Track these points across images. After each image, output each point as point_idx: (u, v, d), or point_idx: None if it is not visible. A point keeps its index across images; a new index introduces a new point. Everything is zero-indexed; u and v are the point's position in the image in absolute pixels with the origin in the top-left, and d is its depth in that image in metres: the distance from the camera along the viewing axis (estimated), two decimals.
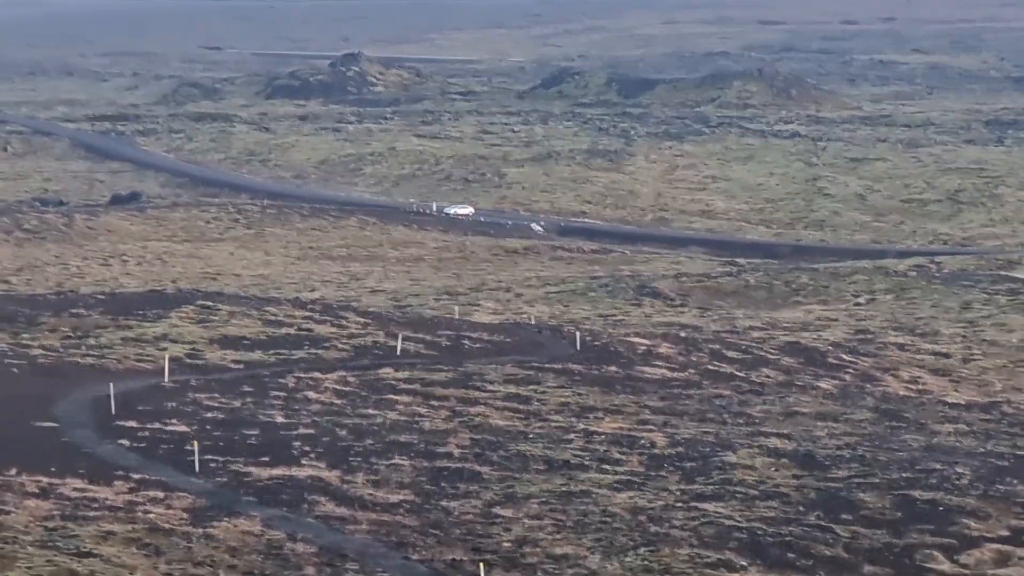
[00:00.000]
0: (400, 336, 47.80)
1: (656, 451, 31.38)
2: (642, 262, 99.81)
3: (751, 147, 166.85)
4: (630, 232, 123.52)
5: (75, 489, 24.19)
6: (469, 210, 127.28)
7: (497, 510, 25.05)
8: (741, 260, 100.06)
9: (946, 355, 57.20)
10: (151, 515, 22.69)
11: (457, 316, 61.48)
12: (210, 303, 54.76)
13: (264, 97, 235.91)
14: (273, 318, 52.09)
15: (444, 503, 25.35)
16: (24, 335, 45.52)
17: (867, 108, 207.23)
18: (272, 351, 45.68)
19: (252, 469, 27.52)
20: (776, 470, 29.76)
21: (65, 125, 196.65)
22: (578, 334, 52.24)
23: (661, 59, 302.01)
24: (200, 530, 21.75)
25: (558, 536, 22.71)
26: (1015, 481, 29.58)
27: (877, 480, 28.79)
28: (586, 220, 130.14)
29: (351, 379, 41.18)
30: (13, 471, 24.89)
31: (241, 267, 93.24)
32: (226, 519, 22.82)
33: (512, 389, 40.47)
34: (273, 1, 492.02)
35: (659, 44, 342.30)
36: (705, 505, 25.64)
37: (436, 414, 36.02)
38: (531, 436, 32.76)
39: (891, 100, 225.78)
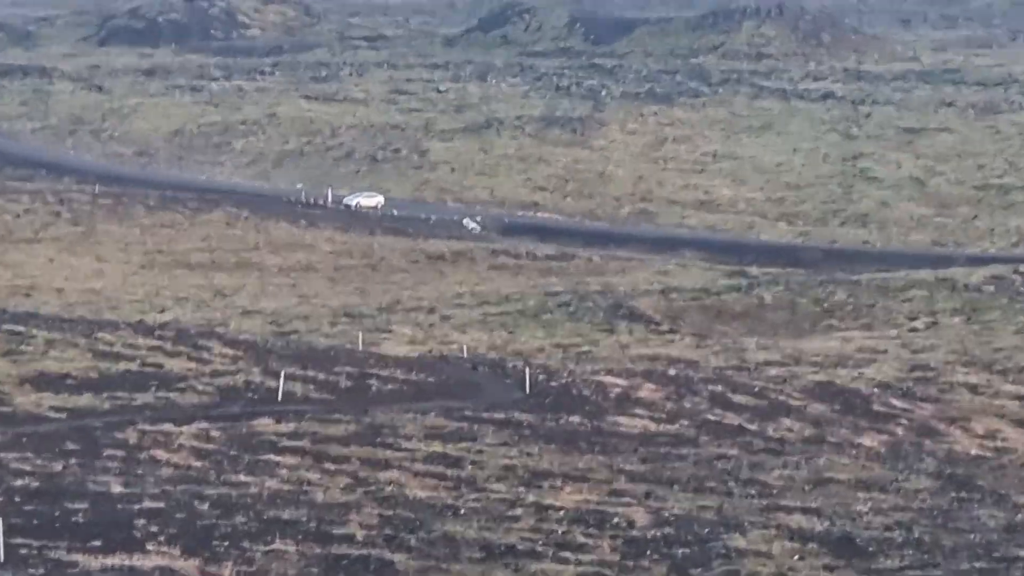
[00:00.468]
0: (283, 374, 48.67)
1: (636, 533, 32.48)
2: (616, 272, 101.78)
3: (768, 113, 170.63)
4: (600, 230, 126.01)
5: None
6: (378, 200, 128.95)
7: None
8: (753, 269, 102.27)
9: None
10: None
11: (361, 347, 62.47)
12: (21, 328, 55.94)
13: (96, 43, 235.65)
14: (108, 349, 53.11)
15: None
16: None
17: (927, 60, 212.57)
18: (107, 394, 46.43)
19: (78, 557, 28.00)
20: (801, 559, 30.94)
21: None
22: (527, 372, 53.65)
23: None
24: None
25: None
26: None
27: (940, 572, 29.88)
28: (539, 214, 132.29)
29: (215, 433, 42.14)
30: None
31: (64, 279, 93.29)
32: None
33: (437, 448, 41.69)
34: None
35: None
36: None
37: (332, 481, 37.07)
38: (463, 512, 33.57)
39: (959, 48, 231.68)
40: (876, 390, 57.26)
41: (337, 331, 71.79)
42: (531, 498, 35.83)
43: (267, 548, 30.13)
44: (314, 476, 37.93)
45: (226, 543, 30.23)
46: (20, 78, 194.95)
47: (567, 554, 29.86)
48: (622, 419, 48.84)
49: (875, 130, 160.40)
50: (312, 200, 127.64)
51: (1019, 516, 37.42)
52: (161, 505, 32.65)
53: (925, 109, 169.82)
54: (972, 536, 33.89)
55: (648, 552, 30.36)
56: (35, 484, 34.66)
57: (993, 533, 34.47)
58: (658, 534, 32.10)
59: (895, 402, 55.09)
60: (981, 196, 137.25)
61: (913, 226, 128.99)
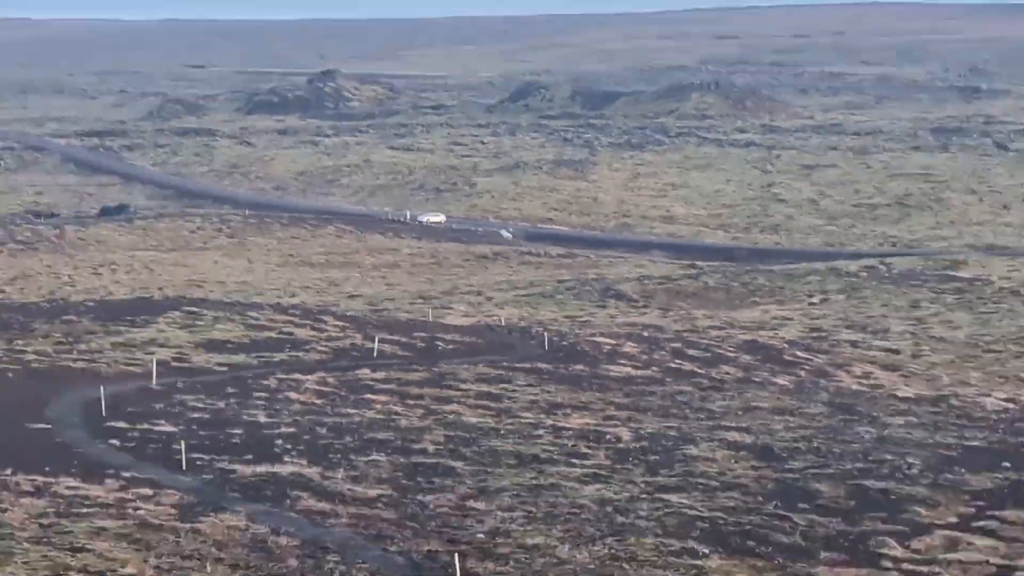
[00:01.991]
0: (377, 339, 47.61)
1: (621, 445, 31.34)
2: (607, 266, 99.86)
3: (709, 156, 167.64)
4: (595, 237, 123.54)
5: (68, 487, 23.81)
6: (441, 218, 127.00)
7: (471, 503, 24.95)
8: (701, 263, 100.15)
9: (896, 351, 57.51)
10: (141, 511, 22.47)
11: (431, 319, 61.30)
12: (195, 309, 54.59)
13: (245, 112, 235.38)
14: (255, 322, 51.80)
15: (420, 497, 25.17)
16: (18, 341, 45.13)
17: (818, 118, 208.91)
18: (255, 354, 45.44)
19: (237, 467, 27.34)
20: (736, 462, 29.73)
21: (56, 141, 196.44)
22: (546, 335, 52.19)
23: (622, 73, 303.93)
24: (188, 525, 21.52)
25: (528, 527, 22.60)
26: (963, 471, 29.75)
27: (832, 471, 28.81)
28: (553, 226, 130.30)
29: (330, 380, 40.96)
30: (8, 471, 24.54)
31: (225, 274, 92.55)
32: (212, 515, 22.62)
33: (484, 388, 40.41)
34: (253, 17, 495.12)
35: (620, 59, 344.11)
36: (669, 496, 25.60)
37: (412, 412, 35.84)
38: (502, 432, 32.62)
39: (841, 110, 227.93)
40: (786, 345, 55.87)
41: (414, 308, 70.25)
42: (549, 422, 34.64)
43: (367, 459, 29.74)
44: (399, 409, 36.91)
45: (338, 455, 29.87)
46: (193, 137, 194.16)
47: (575, 460, 29.09)
48: (612, 367, 47.37)
49: (783, 167, 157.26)
50: (396, 218, 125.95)
51: (886, 431, 36.44)
52: (293, 430, 32.70)
53: (818, 152, 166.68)
54: (854, 445, 33.06)
55: (630, 459, 29.58)
56: (206, 416, 35.00)
57: (868, 443, 33.68)
58: (637, 446, 31.28)
59: (799, 353, 53.57)
60: (857, 211, 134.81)
61: (810, 232, 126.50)
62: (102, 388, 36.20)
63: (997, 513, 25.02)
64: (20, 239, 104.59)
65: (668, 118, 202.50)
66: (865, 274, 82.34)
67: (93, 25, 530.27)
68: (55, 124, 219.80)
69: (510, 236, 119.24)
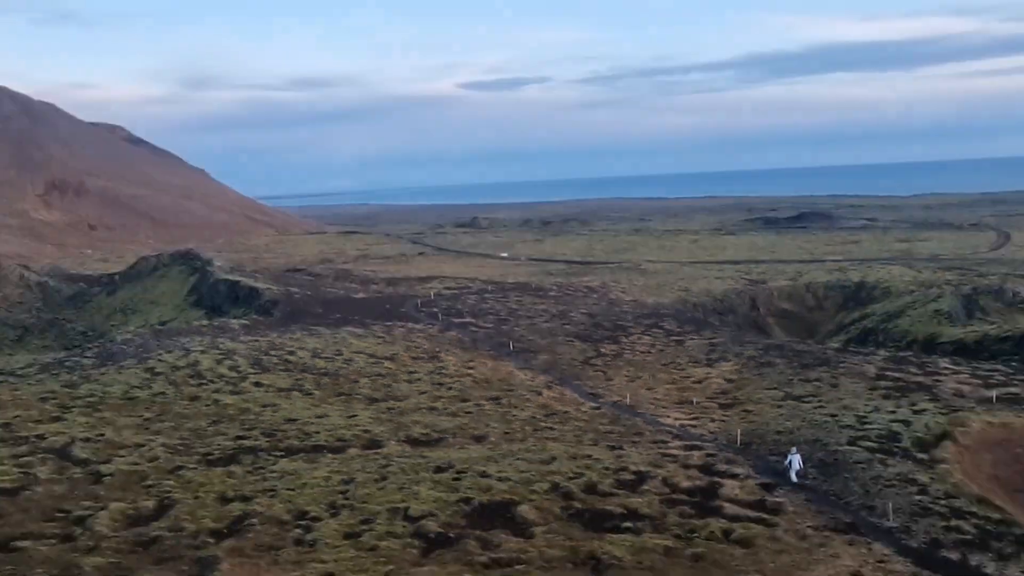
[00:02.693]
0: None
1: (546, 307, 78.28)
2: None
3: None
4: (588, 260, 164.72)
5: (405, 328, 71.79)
6: None
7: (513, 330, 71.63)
8: None
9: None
10: (423, 334, 70.64)
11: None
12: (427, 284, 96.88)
13: None
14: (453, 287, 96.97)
15: (503, 327, 72.34)
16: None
17: None
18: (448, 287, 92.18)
19: (455, 319, 72.46)
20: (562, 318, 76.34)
21: None
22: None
23: None
24: (434, 335, 69.81)
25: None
26: (631, 319, 76.06)
27: (600, 320, 75.54)
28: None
29: (488, 293, 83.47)
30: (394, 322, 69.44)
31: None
32: (442, 331, 68.35)
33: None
34: None
35: None
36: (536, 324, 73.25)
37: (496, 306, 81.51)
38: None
39: None
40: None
41: None
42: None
43: (487, 317, 76.78)
44: (501, 304, 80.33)
45: (485, 316, 74.92)
46: None
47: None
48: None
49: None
50: None
51: (612, 307, 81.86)
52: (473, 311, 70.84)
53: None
54: (603, 312, 78.87)
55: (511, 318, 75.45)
56: (448, 304, 75.67)
57: (607, 312, 78.96)
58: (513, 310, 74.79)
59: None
60: None
61: None
62: (418, 301, 70.82)
63: (655, 330, 71.31)
64: None
65: None
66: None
67: None
68: None
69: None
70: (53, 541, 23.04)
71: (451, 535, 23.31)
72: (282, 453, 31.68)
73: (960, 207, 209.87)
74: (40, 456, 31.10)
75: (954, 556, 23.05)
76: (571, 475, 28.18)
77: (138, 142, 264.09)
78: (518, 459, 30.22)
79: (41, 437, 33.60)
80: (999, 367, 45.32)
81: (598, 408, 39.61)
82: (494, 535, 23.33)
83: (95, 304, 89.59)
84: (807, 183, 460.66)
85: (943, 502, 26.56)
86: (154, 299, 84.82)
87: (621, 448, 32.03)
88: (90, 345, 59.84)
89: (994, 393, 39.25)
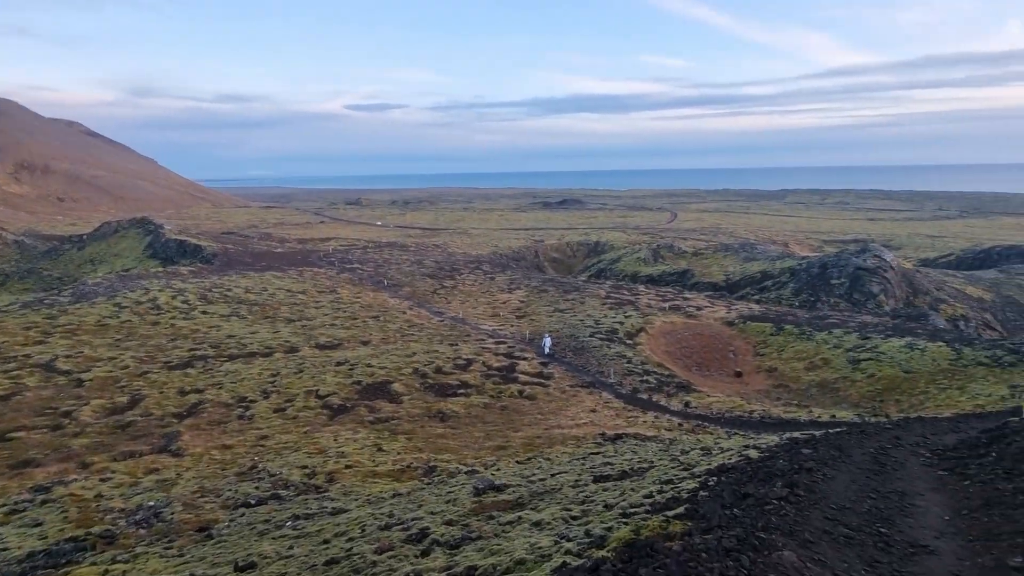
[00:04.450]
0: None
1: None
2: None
3: None
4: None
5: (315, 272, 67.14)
6: None
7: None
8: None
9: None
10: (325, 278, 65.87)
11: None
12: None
13: None
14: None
15: (381, 273, 66.56)
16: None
17: None
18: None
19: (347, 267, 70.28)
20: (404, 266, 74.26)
21: None
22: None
23: None
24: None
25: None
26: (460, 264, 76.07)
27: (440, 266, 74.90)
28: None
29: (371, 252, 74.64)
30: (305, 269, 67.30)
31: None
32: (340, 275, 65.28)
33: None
34: None
35: None
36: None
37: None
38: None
39: None
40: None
41: None
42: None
43: (365, 264, 69.63)
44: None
45: (362, 263, 70.11)
46: None
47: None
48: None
49: None
50: None
51: (450, 257, 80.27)
52: (363, 261, 71.46)
53: None
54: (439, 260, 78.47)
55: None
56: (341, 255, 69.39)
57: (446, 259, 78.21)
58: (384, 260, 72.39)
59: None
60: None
61: None
62: (321, 253, 68.06)
63: (477, 271, 70.93)
64: None
65: None
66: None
67: None
68: None
69: None
70: (45, 430, 20.03)
71: (348, 405, 22.69)
72: (225, 359, 29.06)
73: (652, 197, 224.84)
74: (28, 369, 26.65)
75: (645, 396, 25.33)
76: (425, 363, 28.00)
77: (94, 135, 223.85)
78: (392, 354, 29.62)
79: (28, 356, 28.72)
80: (670, 289, 48.30)
81: (442, 321, 39.35)
82: (377, 404, 22.95)
83: (67, 257, 76.31)
84: (569, 180, 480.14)
85: (640, 367, 28.48)
86: (117, 253, 73.55)
87: (457, 345, 32.17)
88: (65, 287, 51.44)
89: (668, 304, 41.55)
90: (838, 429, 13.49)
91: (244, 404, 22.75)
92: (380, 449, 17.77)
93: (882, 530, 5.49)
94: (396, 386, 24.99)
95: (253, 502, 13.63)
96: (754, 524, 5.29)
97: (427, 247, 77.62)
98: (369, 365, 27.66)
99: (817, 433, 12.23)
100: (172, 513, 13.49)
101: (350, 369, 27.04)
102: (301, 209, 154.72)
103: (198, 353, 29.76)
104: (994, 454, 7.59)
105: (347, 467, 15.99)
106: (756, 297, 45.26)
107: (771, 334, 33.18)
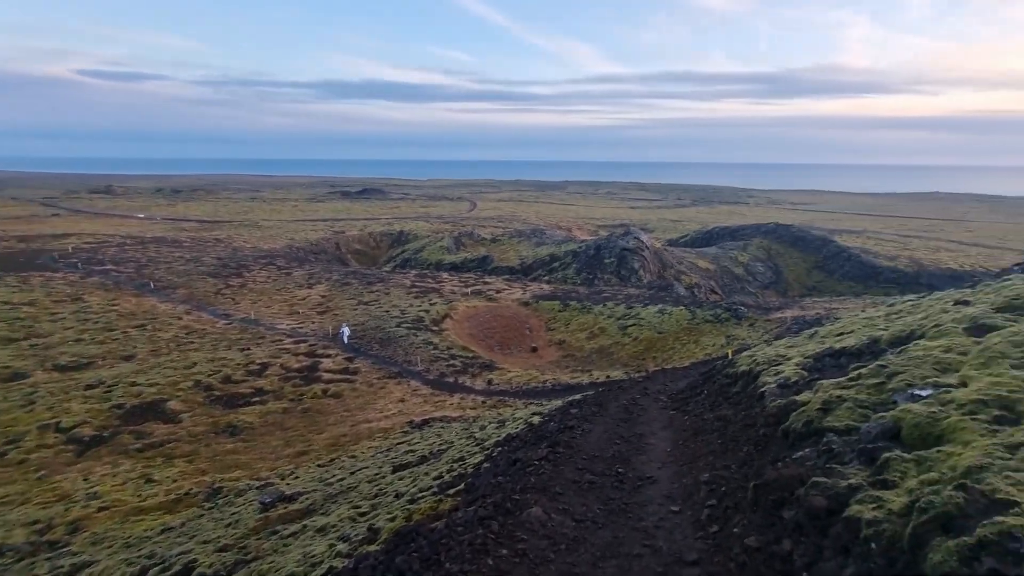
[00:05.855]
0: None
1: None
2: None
3: None
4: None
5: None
6: None
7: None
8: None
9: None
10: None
11: None
12: None
13: None
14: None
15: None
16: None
17: None
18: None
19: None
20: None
21: None
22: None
23: None
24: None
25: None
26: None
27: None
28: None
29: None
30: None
31: None
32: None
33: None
34: None
35: None
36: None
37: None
38: None
39: None
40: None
41: None
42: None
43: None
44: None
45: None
46: None
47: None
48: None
49: None
50: None
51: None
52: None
53: None
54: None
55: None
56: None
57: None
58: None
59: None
60: None
61: None
62: (55, 254, 51.42)
63: (270, 266, 65.68)
64: None
65: None
66: None
67: None
68: None
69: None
70: None
71: (105, 435, 19.39)
72: None
73: (453, 187, 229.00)
74: None
75: (451, 379, 26.13)
76: (210, 373, 25.24)
77: None
78: (165, 368, 25.93)
79: None
80: (472, 275, 49.43)
81: (229, 324, 35.61)
82: (146, 427, 19.99)
83: None
84: (367, 169, 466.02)
85: (446, 352, 29.00)
86: None
87: (249, 349, 29.44)
88: None
89: (470, 289, 42.60)
90: (603, 387, 14.81)
91: None
92: (149, 480, 15.72)
93: (620, 470, 6.21)
94: (172, 404, 22.14)
95: None
96: (513, 487, 5.53)
97: (206, 242, 69.68)
98: (134, 384, 24.00)
99: (589, 394, 13.34)
100: None
101: (106, 391, 23.23)
102: (22, 199, 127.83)
103: None
104: (705, 391, 9.03)
105: (101, 510, 13.91)
106: (547, 278, 48.44)
107: (559, 311, 35.94)
